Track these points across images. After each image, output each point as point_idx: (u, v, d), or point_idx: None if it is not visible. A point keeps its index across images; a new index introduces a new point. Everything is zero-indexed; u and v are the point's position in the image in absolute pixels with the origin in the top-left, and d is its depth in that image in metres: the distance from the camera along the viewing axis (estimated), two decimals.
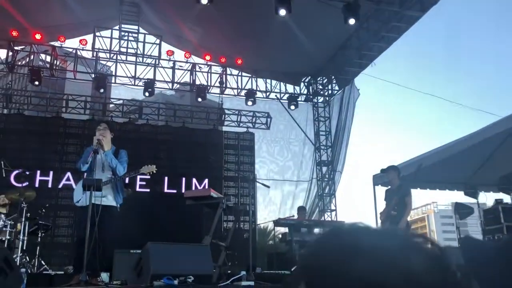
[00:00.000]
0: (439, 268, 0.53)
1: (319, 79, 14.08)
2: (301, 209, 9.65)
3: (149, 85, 12.20)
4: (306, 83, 14.19)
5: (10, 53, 11.70)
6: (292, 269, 7.70)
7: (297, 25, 10.45)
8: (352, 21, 9.40)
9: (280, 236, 11.91)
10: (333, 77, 13.70)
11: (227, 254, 5.99)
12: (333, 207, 13.35)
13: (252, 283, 4.94)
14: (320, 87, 14.16)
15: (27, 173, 9.35)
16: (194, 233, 7.85)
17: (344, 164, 13.38)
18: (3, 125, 11.79)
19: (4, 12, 10.08)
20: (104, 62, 12.61)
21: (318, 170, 13.78)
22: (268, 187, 6.41)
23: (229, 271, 7.22)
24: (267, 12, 9.54)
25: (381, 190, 9.43)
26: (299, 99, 13.80)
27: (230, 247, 6.09)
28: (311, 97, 14.18)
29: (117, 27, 12.06)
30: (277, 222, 8.91)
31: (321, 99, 14.34)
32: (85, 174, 5.38)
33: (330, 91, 14.06)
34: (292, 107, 13.43)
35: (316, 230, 9.00)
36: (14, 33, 10.96)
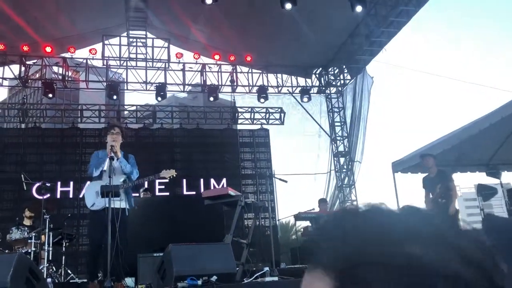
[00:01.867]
0: (490, 261, 0.47)
1: (330, 69, 13.95)
2: (322, 201, 9.57)
3: (160, 89, 12.24)
4: (317, 75, 14.07)
5: (23, 68, 11.86)
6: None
7: (304, 17, 10.37)
8: (359, 9, 9.28)
9: (302, 230, 11.86)
10: (344, 66, 13.56)
11: (250, 251, 5.98)
12: (353, 198, 13.23)
13: (276, 278, 4.91)
14: (332, 77, 14.03)
15: (48, 185, 9.51)
16: (215, 232, 7.83)
17: (363, 154, 13.23)
18: (21, 140, 11.98)
19: (15, 27, 10.22)
20: (115, 70, 12.70)
21: (336, 162, 13.67)
22: (286, 181, 6.37)
23: (253, 268, 7.21)
24: (273, 6, 9.48)
25: (401, 177, 9.33)
26: (312, 91, 13.69)
27: (253, 244, 6.08)
28: (323, 88, 14.05)
29: (125, 34, 12.15)
30: (298, 216, 8.87)
31: (333, 89, 14.21)
32: (93, 178, 5.36)
33: (342, 81, 13.92)
34: (305, 100, 13.34)
35: None
36: (25, 48, 11.12)
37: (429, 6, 10.26)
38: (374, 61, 12.57)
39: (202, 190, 12.05)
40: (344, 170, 13.54)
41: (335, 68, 13.85)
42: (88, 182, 5.40)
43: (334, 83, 14.06)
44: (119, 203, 5.05)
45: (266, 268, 5.42)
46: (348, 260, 0.46)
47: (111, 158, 5.02)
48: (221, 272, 4.30)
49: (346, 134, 13.71)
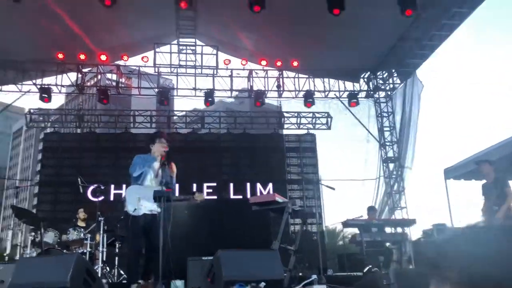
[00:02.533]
0: None
1: (379, 73, 13.68)
2: (371, 209, 9.38)
3: (209, 94, 12.49)
4: (365, 79, 13.83)
5: (79, 76, 12.46)
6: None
7: (352, 21, 10.22)
8: (409, 12, 9.04)
9: (349, 236, 11.68)
10: (393, 70, 13.26)
11: (296, 257, 5.97)
12: (403, 205, 12.89)
13: (324, 286, 4.88)
14: (381, 81, 13.75)
15: (102, 187, 9.92)
16: (262, 237, 7.88)
17: (413, 160, 12.86)
18: (78, 144, 12.58)
19: (73, 37, 10.77)
20: (165, 77, 13.07)
21: (385, 167, 13.39)
22: (333, 189, 6.31)
23: (300, 274, 7.19)
24: (320, 11, 9.43)
25: (454, 184, 9.01)
26: (360, 95, 13.49)
27: (299, 250, 6.06)
28: (371, 92, 13.80)
29: (175, 42, 12.49)
30: (346, 223, 8.72)
31: (382, 94, 13.93)
32: (132, 182, 5.36)
33: (391, 85, 13.62)
34: (353, 104, 13.15)
35: (388, 230, 8.73)
36: (82, 57, 11.67)
37: (482, 7, 9.86)
38: (424, 64, 12.24)
39: (248, 194, 12.17)
40: (393, 176, 13.23)
41: (384, 72, 13.58)
42: (129, 187, 5.37)
43: (383, 87, 13.77)
44: (157, 209, 5.10)
45: (314, 276, 5.40)
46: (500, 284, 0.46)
47: (163, 164, 5.16)
48: (269, 278, 4.32)
49: (395, 140, 13.40)
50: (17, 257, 7.55)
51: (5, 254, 7.80)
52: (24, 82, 12.16)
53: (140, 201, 5.10)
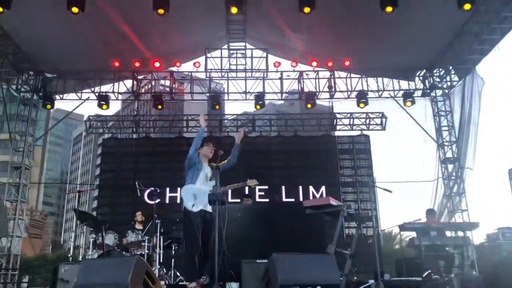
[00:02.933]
0: None
1: (435, 71, 13.15)
2: (430, 212, 9.00)
3: (259, 98, 12.53)
4: (421, 77, 13.34)
5: (135, 82, 12.89)
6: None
7: (405, 18, 9.91)
8: (467, 6, 8.62)
9: (407, 240, 11.31)
10: (451, 67, 12.70)
11: (352, 261, 5.82)
12: (464, 207, 12.29)
13: None
14: (438, 79, 13.21)
15: (158, 190, 10.20)
16: (315, 241, 7.77)
17: (475, 160, 12.24)
18: (135, 149, 13.01)
19: (128, 45, 11.17)
20: (217, 81, 13.26)
21: (443, 169, 12.84)
22: (390, 191, 6.10)
23: (355, 278, 7.02)
24: (371, 9, 9.21)
25: None
26: (415, 94, 13.02)
27: (355, 254, 5.91)
28: (428, 91, 13.28)
29: (225, 46, 12.64)
30: (403, 227, 8.42)
31: (439, 92, 13.38)
32: (188, 182, 5.74)
33: (449, 83, 13.03)
34: (408, 103, 12.72)
35: (448, 233, 8.35)
36: (137, 64, 12.07)
37: None
38: (485, 60, 11.63)
39: (301, 197, 12.07)
40: (452, 178, 12.66)
41: (440, 69, 13.03)
42: (184, 187, 5.78)
43: (440, 85, 13.22)
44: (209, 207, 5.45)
45: (371, 281, 5.24)
46: None
47: (217, 168, 5.36)
48: (325, 282, 4.25)
49: (454, 139, 12.82)
50: (80, 258, 7.87)
51: (69, 256, 8.17)
52: (83, 91, 12.74)
53: (196, 198, 5.50)
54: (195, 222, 5.46)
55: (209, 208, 5.46)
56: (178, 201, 12.01)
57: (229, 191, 11.04)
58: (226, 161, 5.90)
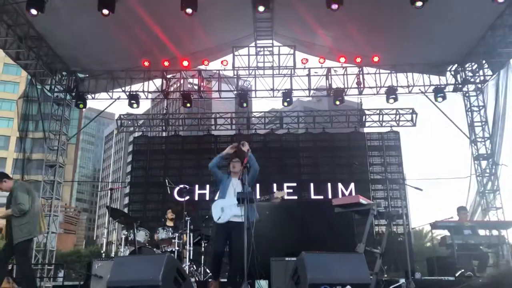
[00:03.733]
0: None
1: (467, 65, 12.78)
2: (461, 209, 8.80)
3: (287, 95, 12.50)
4: (452, 72, 13.00)
5: (164, 81, 13.07)
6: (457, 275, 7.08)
7: (436, 12, 9.67)
8: None
9: (439, 238, 11.08)
10: (484, 61, 12.31)
11: (383, 260, 5.76)
12: (498, 205, 11.94)
13: None
14: (470, 74, 12.84)
15: (188, 188, 10.32)
16: (345, 239, 7.74)
17: (510, 156, 11.87)
18: (164, 147, 13.21)
19: (157, 45, 11.34)
20: (244, 79, 13.30)
21: (476, 165, 12.51)
22: (421, 190, 5.99)
23: (385, 275, 6.93)
24: (401, 3, 9.05)
25: None
26: (447, 90, 12.71)
27: (386, 252, 5.85)
28: (460, 86, 12.94)
29: (253, 44, 12.66)
30: (435, 225, 8.28)
31: (472, 87, 13.01)
32: (216, 198, 5.99)
33: (482, 77, 12.65)
34: (440, 99, 12.41)
35: (482, 232, 8.15)
36: (166, 63, 12.23)
37: None
38: None
39: (329, 194, 12.00)
40: (486, 175, 12.31)
41: (473, 63, 12.66)
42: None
43: (472, 80, 12.85)
44: (239, 217, 5.43)
45: (402, 280, 5.18)
46: None
47: (242, 180, 5.49)
48: (355, 282, 4.22)
49: (488, 135, 12.46)
50: (112, 254, 8.06)
51: (102, 252, 8.38)
52: (114, 90, 13.00)
53: (223, 210, 5.66)
54: (216, 233, 5.81)
55: (237, 219, 5.55)
56: (207, 198, 12.16)
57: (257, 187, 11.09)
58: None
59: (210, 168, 6.02)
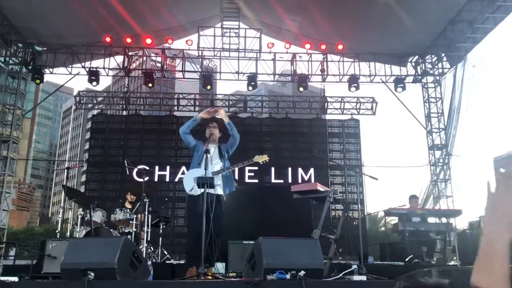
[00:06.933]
0: None
1: (427, 58, 13.17)
2: (412, 198, 9.16)
3: (252, 78, 12.46)
4: (413, 63, 13.36)
5: (126, 59, 12.73)
6: (406, 260, 7.40)
7: (400, 3, 9.88)
8: None
9: (392, 223, 11.50)
10: (443, 54, 12.72)
11: (338, 243, 5.93)
12: (449, 194, 12.50)
13: (364, 277, 4.83)
14: (429, 66, 13.25)
15: (147, 169, 10.19)
16: (302, 223, 7.92)
17: (462, 147, 12.40)
18: (124, 126, 12.92)
19: (120, 21, 11.00)
20: (209, 60, 13.14)
21: (431, 155, 13.00)
22: (376, 179, 6.17)
23: (340, 258, 7.15)
24: None
25: None
26: (406, 80, 13.05)
27: (340, 236, 6.03)
28: (419, 77, 13.33)
29: (219, 25, 12.49)
30: (388, 212, 8.62)
31: (430, 79, 13.43)
32: (190, 167, 5.61)
33: (440, 70, 13.08)
34: (399, 89, 12.73)
35: (432, 220, 8.52)
36: (129, 40, 11.91)
37: None
38: (476, 48, 11.67)
39: (290, 179, 12.16)
40: (440, 164, 12.83)
41: (433, 56, 13.06)
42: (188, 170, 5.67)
43: (431, 72, 13.27)
44: (216, 189, 5.25)
45: (354, 266, 5.35)
46: None
47: (207, 151, 5.21)
48: (309, 267, 4.33)
49: (443, 126, 12.94)
50: (68, 234, 7.90)
51: (56, 231, 8.20)
52: (74, 65, 12.56)
53: (195, 182, 5.21)
54: (190, 207, 5.36)
55: (212, 191, 5.18)
56: (167, 179, 12.06)
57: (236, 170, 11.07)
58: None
59: (182, 134, 5.62)
